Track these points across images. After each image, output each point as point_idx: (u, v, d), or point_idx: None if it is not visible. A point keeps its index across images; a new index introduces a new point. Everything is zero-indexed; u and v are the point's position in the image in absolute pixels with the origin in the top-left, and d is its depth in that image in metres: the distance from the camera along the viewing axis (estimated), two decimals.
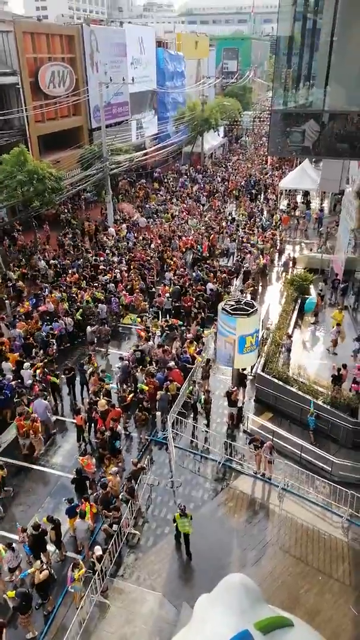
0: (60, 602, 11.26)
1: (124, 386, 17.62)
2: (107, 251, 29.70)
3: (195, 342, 19.77)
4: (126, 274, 26.11)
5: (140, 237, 32.15)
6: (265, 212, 38.16)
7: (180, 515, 12.14)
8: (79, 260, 28.06)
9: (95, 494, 13.26)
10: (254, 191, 43.08)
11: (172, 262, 28.11)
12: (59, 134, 36.32)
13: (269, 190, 43.73)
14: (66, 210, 36.69)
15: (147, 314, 22.85)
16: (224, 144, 63.59)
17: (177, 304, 23.42)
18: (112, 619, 10.97)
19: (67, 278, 25.64)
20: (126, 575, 11.97)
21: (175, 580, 11.82)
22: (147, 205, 39.53)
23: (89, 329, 21.02)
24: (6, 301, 23.70)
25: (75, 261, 27.83)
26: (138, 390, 17.22)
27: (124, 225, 34.27)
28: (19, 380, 17.62)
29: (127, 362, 18.32)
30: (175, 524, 12.48)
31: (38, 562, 11.14)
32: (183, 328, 21.30)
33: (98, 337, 21.07)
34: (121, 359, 19.18)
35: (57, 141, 35.90)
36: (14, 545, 11.49)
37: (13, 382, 17.33)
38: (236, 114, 63.63)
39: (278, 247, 31.24)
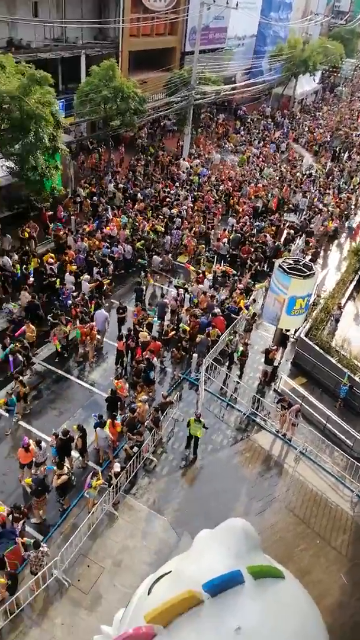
0: (75, 504, 12.31)
1: (165, 322, 18.13)
2: (177, 184, 29.25)
3: (244, 294, 19.68)
4: (191, 212, 25.81)
5: (213, 178, 31.31)
6: (345, 173, 35.98)
7: (194, 420, 13.45)
8: (148, 189, 27.85)
9: (123, 416, 14.02)
10: (337, 148, 40.45)
11: (238, 208, 27.41)
12: (151, 52, 34.90)
13: (355, 150, 40.92)
14: (143, 135, 35.96)
15: (202, 256, 22.73)
16: (317, 91, 59.15)
17: (234, 252, 23.11)
18: (118, 530, 11.95)
19: (134, 205, 25.65)
20: (138, 494, 12.86)
21: (181, 510, 12.60)
22: (225, 144, 38.09)
23: (156, 257, 21.55)
24: (72, 217, 24.13)
25: (144, 189, 27.65)
26: (180, 330, 17.56)
27: (198, 161, 33.38)
28: (79, 292, 18.54)
29: (166, 300, 18.65)
30: (188, 428, 13.69)
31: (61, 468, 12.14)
32: (235, 278, 21.16)
33: (161, 267, 21.61)
34: (162, 295, 19.56)
35: (147, 60, 34.58)
36: (42, 443, 12.52)
37: (74, 293, 18.16)
38: (337, 59, 58.35)
39: (351, 212, 29.72)
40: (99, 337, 16.89)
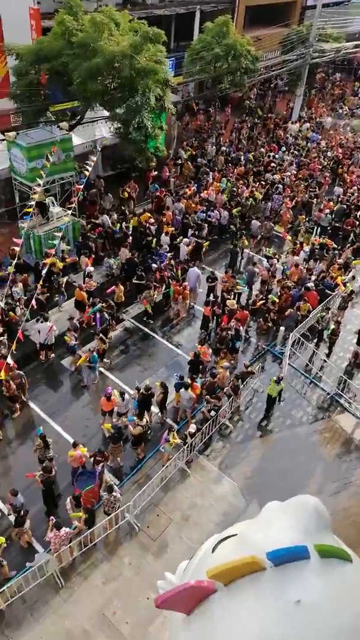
0: (151, 456, 12.90)
1: (254, 291, 17.84)
2: (283, 149, 28.04)
3: (343, 270, 18.68)
4: (294, 179, 24.71)
5: (323, 143, 29.55)
6: None
7: (275, 381, 13.68)
8: (251, 153, 27.02)
9: (203, 380, 14.25)
10: None
11: (346, 178, 25.73)
12: (269, 7, 33.10)
13: None
14: (252, 97, 34.68)
15: (301, 227, 21.80)
16: None
17: (336, 224, 21.88)
18: (189, 487, 12.37)
19: (234, 170, 25.10)
20: (211, 457, 13.16)
21: (252, 478, 12.70)
22: (339, 108, 35.59)
23: (255, 222, 21.14)
24: (171, 179, 24.23)
25: (247, 153, 26.88)
26: (269, 301, 17.20)
27: (308, 125, 31.60)
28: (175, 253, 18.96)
29: (257, 269, 18.24)
30: (268, 388, 14.03)
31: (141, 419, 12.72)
32: (335, 252, 20.11)
33: (260, 233, 21.27)
34: (254, 264, 19.13)
35: (264, 16, 32.89)
36: (125, 395, 13.17)
37: (169, 254, 18.52)
38: None
39: None
40: (189, 294, 17.19)
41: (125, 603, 10.03)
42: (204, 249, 19.46)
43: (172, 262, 18.06)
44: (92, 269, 17.05)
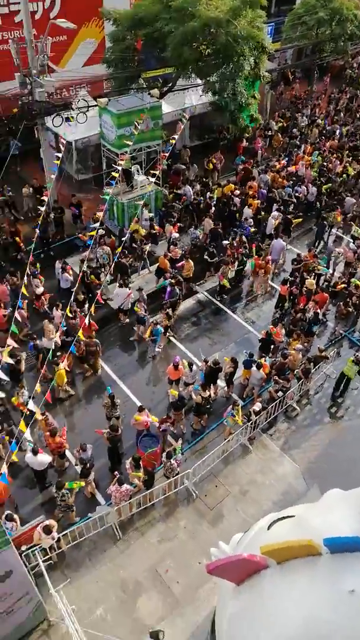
0: (214, 428, 13.04)
1: (336, 273, 17.09)
2: None
3: None
4: None
5: None
6: None
7: (352, 361, 13.47)
8: (347, 126, 25.45)
9: (274, 359, 14.04)
10: None
11: None
12: None
13: None
14: (355, 65, 32.41)
15: None
16: None
17: None
18: (250, 463, 12.41)
19: (327, 143, 23.82)
20: (274, 437, 13.06)
21: (316, 463, 12.47)
22: None
23: (349, 199, 20.37)
24: (259, 151, 23.52)
25: (342, 126, 25.35)
26: (352, 285, 16.40)
27: None
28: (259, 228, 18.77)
29: (341, 249, 17.38)
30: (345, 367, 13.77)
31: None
32: None
33: (354, 212, 20.52)
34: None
35: None
36: (193, 366, 13.33)
37: (252, 229, 18.25)
38: None
39: None
40: (271, 269, 17.03)
41: (177, 564, 10.41)
42: (293, 225, 18.92)
43: (244, 238, 17.66)
44: (177, 235, 17.20)
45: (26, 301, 14.20)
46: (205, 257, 17.20)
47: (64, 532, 10.01)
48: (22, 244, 16.64)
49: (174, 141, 17.09)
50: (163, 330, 14.62)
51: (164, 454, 11.16)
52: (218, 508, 11.44)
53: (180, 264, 16.39)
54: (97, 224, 15.24)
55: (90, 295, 15.05)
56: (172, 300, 15.29)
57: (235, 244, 17.31)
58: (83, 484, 10.84)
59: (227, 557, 4.16)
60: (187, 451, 12.36)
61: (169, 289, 15.33)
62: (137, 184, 18.48)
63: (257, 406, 12.53)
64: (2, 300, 14.59)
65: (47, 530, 9.40)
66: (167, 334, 15.11)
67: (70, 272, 15.55)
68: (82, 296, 14.73)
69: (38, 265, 15.66)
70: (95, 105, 17.41)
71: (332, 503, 3.98)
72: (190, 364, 13.28)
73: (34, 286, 15.04)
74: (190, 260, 16.42)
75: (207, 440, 12.79)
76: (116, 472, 10.73)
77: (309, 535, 3.26)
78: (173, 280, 15.46)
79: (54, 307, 14.10)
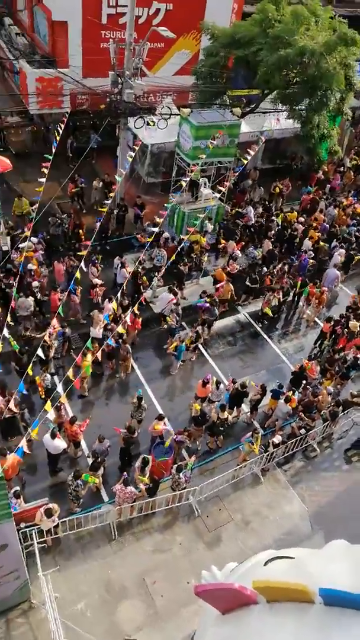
0: (229, 451, 12.90)
1: None
2: None
3: None
4: None
5: None
6: None
7: None
8: None
9: (303, 395, 13.78)
10: None
11: None
12: None
13: None
14: None
15: None
16: None
17: None
18: (258, 494, 12.19)
19: None
20: (288, 473, 12.78)
21: (326, 509, 12.10)
22: None
23: None
24: (336, 187, 23.25)
25: None
26: None
27: None
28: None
29: None
30: None
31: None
32: None
33: None
34: None
35: None
36: (221, 385, 13.28)
37: (311, 261, 18.30)
38: None
39: None
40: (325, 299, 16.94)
41: (166, 578, 10.33)
42: (354, 262, 18.88)
43: (286, 268, 17.48)
44: (239, 253, 17.39)
45: (80, 288, 14.63)
46: (247, 282, 17.07)
47: (63, 519, 10.14)
48: (83, 235, 17.04)
49: (246, 161, 17.20)
50: (186, 349, 14.40)
51: (175, 467, 11.13)
52: (217, 532, 11.29)
53: (219, 284, 16.36)
54: (156, 229, 15.51)
55: (137, 295, 15.31)
56: (208, 319, 15.21)
57: (277, 274, 17.16)
58: (97, 481, 10.94)
59: (218, 583, 4.12)
60: (197, 468, 12.28)
61: (207, 305, 15.19)
62: (202, 196, 18.70)
63: (277, 439, 12.32)
64: (58, 281, 15.07)
65: (49, 513, 9.57)
66: (197, 349, 15.02)
67: (128, 269, 15.86)
68: (127, 301, 14.90)
69: (100, 256, 16.11)
70: (178, 114, 17.80)
71: (336, 554, 3.86)
72: (218, 383, 13.25)
73: (91, 274, 15.51)
74: (231, 284, 16.27)
75: (220, 462, 12.67)
76: (125, 473, 10.80)
77: (306, 580, 3.19)
78: (208, 299, 15.36)
79: (107, 299, 14.34)
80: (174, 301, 15.26)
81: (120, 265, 15.92)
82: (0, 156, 18.18)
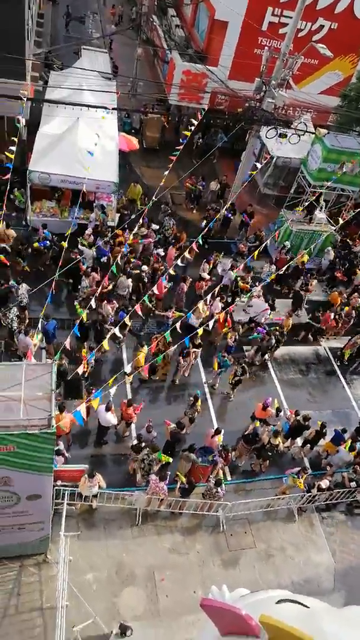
0: (271, 478, 12.51)
1: None
2: None
3: None
4: None
5: None
6: None
7: None
8: None
9: None
10: None
11: None
12: None
13: None
14: None
15: None
16: None
17: None
18: (289, 531, 11.74)
19: None
20: (326, 522, 12.17)
21: (356, 574, 11.39)
22: None
23: None
24: None
25: None
26: None
27: None
28: None
29: None
30: None
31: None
32: None
33: None
34: None
35: None
36: (281, 412, 12.93)
37: None
38: None
39: None
40: None
41: (175, 580, 10.31)
42: None
43: (354, 313, 16.55)
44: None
45: (190, 279, 15.15)
46: (308, 319, 16.33)
47: (100, 491, 10.42)
48: (184, 237, 17.16)
49: None
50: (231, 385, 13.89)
51: (214, 480, 10.99)
52: (237, 553, 11.06)
53: (280, 318, 15.83)
54: (257, 243, 15.40)
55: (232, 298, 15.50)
56: (263, 347, 14.75)
57: (342, 317, 16.26)
58: (170, 460, 11.16)
59: (226, 603, 4.03)
60: (234, 485, 12.09)
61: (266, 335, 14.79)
62: (315, 219, 18.25)
63: (325, 483, 11.76)
64: (167, 265, 15.26)
65: (92, 474, 9.96)
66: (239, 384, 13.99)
67: (234, 271, 15.89)
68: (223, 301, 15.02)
69: (220, 254, 16.53)
70: (313, 133, 17.47)
71: (355, 619, 3.63)
72: (279, 410, 12.91)
73: (202, 269, 15.87)
74: (291, 319, 15.51)
75: (259, 486, 12.37)
76: (168, 472, 10.84)
77: (315, 634, 3.04)
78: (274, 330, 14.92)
79: (211, 294, 14.22)
80: (268, 311, 15.09)
81: (230, 267, 16.02)
82: (128, 135, 19.02)
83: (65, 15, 27.00)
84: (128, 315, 12.12)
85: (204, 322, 13.24)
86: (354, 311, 16.56)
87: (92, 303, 11.27)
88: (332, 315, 16.04)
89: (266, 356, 15.01)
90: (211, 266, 16.15)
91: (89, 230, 15.59)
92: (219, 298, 14.64)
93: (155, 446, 11.07)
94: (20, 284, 13.20)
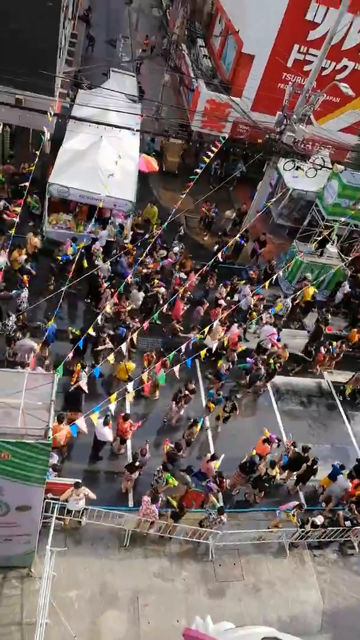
0: (264, 509, 12.28)
1: None
2: None
3: None
4: None
5: None
6: None
7: None
8: None
9: None
10: None
11: None
12: None
13: None
14: None
15: None
16: None
17: None
18: (279, 566, 11.45)
19: None
20: (317, 560, 11.89)
21: (344, 617, 11.06)
22: None
23: None
24: None
25: None
26: None
27: None
28: None
29: None
30: None
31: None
32: None
33: None
34: None
35: None
36: (281, 443, 12.79)
37: None
38: None
39: None
40: None
41: (159, 606, 10.07)
42: None
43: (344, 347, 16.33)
44: None
45: (207, 304, 15.48)
46: (301, 352, 16.09)
47: (89, 507, 10.28)
48: (189, 264, 17.01)
49: None
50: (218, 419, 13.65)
51: (217, 509, 10.79)
52: (224, 585, 10.81)
53: (278, 345, 15.55)
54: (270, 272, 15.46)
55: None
56: (253, 376, 14.61)
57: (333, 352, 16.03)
58: (177, 484, 11.13)
59: (210, 636, 3.97)
60: (226, 513, 11.88)
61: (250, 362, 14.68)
62: (326, 253, 18.37)
63: (319, 520, 11.53)
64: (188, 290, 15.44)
65: (78, 485, 9.86)
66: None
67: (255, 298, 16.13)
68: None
69: (241, 281, 16.91)
70: (330, 168, 17.73)
71: None
72: (279, 440, 12.78)
73: (219, 292, 16.05)
74: (287, 351, 15.34)
75: (251, 517, 12.16)
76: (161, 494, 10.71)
77: None
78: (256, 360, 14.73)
79: (222, 317, 14.32)
80: (275, 335, 15.14)
81: (249, 293, 16.09)
82: (149, 157, 19.39)
83: (88, 38, 27.73)
84: (136, 332, 12.15)
85: (220, 344, 13.32)
86: (344, 345, 16.29)
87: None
88: (324, 350, 15.92)
89: (258, 383, 14.84)
90: (228, 290, 16.20)
91: (97, 245, 15.73)
92: (236, 324, 14.75)
93: (165, 465, 11.05)
94: (22, 289, 13.34)
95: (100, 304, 14.60)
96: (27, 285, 13.57)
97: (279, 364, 14.79)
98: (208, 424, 13.75)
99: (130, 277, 14.45)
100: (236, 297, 16.38)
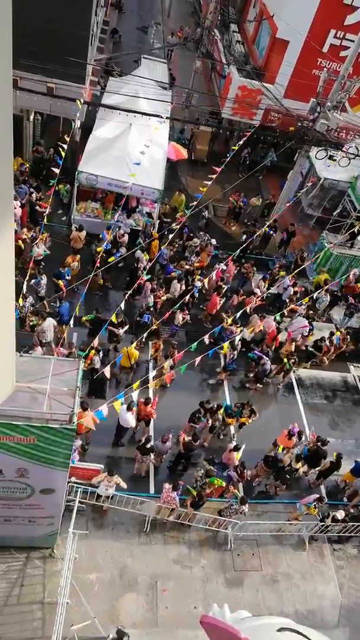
0: (284, 502, 12.25)
1: None
2: None
3: None
4: None
5: None
6: None
7: None
8: None
9: None
10: None
11: None
12: None
13: None
14: None
15: None
16: None
17: None
18: (297, 559, 11.45)
19: None
20: (337, 554, 11.82)
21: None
22: None
23: None
24: None
25: None
26: None
27: None
28: None
29: None
30: None
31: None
32: None
33: None
34: None
35: None
36: (303, 436, 12.68)
37: None
38: None
39: None
40: None
41: (176, 592, 10.22)
42: None
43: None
44: None
45: (244, 296, 15.51)
46: (311, 347, 15.54)
47: (113, 494, 10.44)
48: (205, 257, 16.93)
49: None
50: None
51: (239, 499, 10.84)
52: (242, 574, 10.88)
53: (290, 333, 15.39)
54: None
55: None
56: (260, 372, 14.24)
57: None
58: (224, 484, 11.27)
59: (227, 624, 3.98)
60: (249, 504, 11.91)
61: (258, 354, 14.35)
62: (357, 244, 17.97)
63: (340, 514, 11.44)
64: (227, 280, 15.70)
65: (111, 472, 10.09)
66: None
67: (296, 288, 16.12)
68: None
69: (283, 272, 16.66)
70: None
71: None
72: (301, 433, 12.67)
73: (257, 285, 15.85)
74: (293, 344, 14.96)
75: (271, 509, 12.15)
76: (181, 482, 10.79)
77: None
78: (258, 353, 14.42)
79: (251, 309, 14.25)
80: (307, 328, 15.01)
81: (292, 285, 16.01)
82: (178, 145, 19.25)
83: (112, 32, 27.08)
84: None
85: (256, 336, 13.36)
86: (348, 336, 15.92)
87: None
88: (328, 341, 15.52)
89: (266, 380, 14.58)
90: (267, 284, 15.89)
91: (121, 231, 15.68)
92: (272, 317, 14.38)
93: (210, 472, 11.05)
94: (41, 275, 13.47)
95: (140, 296, 14.62)
96: (44, 273, 13.65)
97: (293, 361, 14.54)
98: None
99: (173, 272, 14.66)
100: (273, 290, 16.16)
